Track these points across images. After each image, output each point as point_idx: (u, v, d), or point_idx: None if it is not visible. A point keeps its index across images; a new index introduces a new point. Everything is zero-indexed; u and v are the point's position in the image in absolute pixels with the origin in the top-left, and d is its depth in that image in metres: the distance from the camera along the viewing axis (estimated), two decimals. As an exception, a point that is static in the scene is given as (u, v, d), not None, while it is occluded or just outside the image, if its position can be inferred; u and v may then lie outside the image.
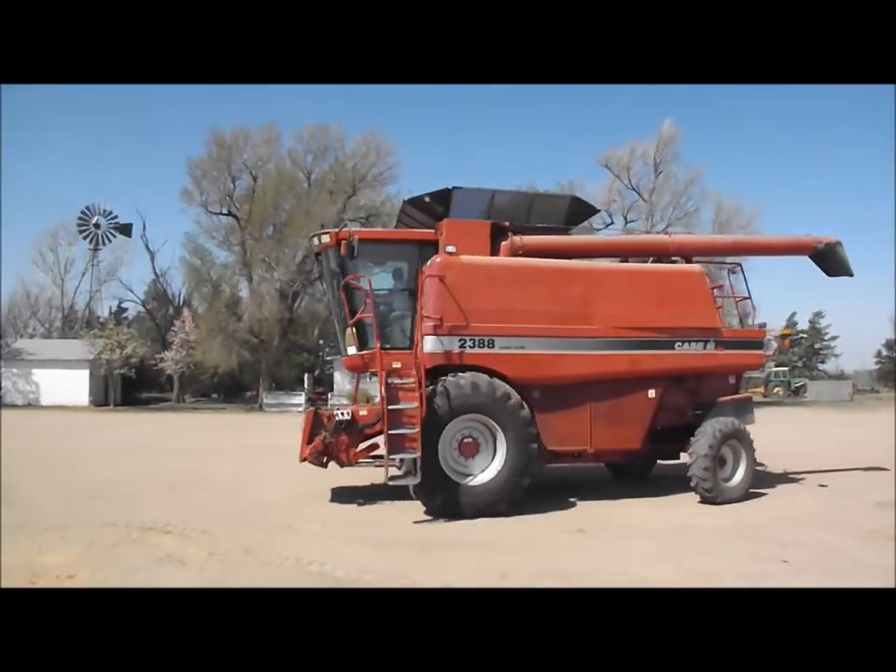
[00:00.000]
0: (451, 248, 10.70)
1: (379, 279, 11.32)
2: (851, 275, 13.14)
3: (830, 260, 13.03)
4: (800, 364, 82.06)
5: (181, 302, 68.92)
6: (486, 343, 10.40)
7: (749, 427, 11.47)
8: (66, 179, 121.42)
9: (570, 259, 11.38)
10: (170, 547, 8.01)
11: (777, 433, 21.22)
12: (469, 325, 10.35)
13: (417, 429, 9.61)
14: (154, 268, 76.03)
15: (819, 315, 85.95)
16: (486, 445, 10.22)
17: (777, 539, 8.40)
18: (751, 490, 11.27)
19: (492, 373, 10.29)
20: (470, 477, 10.13)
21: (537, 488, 10.50)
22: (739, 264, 13.49)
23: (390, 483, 9.82)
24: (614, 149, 56.82)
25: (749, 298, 12.98)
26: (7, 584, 6.34)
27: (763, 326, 13.13)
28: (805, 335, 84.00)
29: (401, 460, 9.95)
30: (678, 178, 56.35)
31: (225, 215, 54.23)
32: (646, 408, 11.28)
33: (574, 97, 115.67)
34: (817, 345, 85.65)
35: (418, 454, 9.54)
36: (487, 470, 10.15)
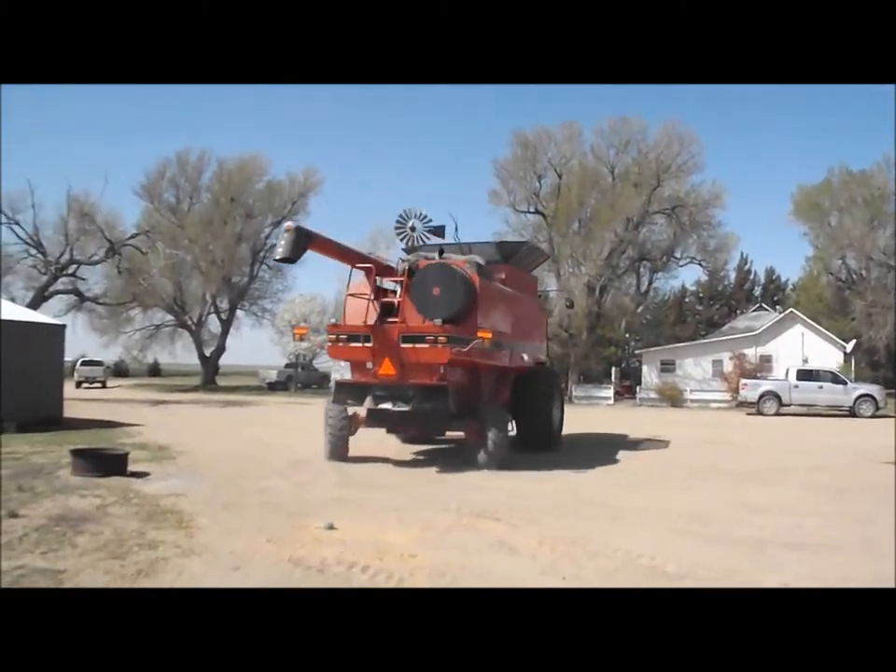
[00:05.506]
0: None
1: None
2: (287, 260, 12.53)
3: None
4: None
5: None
6: None
7: None
8: (381, 187, 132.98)
9: None
10: (500, 534, 8.27)
11: None
12: None
13: None
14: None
15: None
16: None
17: None
18: None
19: None
20: None
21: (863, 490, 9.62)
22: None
23: None
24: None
25: None
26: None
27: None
28: None
29: None
30: None
31: (532, 213, 55.18)
32: None
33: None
34: None
35: None
36: None
